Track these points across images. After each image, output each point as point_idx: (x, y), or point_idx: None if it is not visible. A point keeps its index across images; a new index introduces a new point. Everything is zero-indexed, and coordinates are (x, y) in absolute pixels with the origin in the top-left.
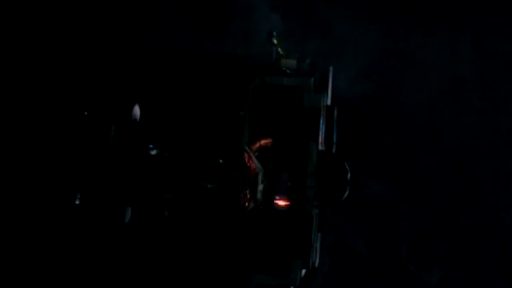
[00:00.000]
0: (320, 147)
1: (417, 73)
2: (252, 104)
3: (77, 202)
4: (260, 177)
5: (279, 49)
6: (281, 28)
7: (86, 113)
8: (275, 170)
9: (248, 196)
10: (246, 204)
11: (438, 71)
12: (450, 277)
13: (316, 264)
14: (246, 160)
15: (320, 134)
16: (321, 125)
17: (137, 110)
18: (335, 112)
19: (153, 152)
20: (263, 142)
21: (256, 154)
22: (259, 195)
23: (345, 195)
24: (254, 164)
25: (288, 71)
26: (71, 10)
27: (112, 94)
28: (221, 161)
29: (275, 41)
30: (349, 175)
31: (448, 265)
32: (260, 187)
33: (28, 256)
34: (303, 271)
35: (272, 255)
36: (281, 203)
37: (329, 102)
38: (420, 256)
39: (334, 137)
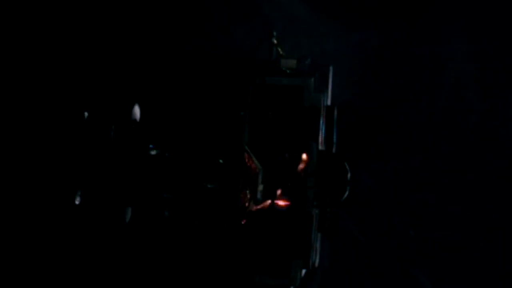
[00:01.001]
0: (320, 147)
1: (418, 75)
2: (252, 104)
3: (77, 202)
4: (260, 177)
5: (279, 49)
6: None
7: (86, 113)
8: (275, 170)
9: (248, 196)
10: (246, 204)
11: (438, 73)
12: (449, 279)
13: (316, 264)
14: (246, 160)
15: (320, 134)
16: (321, 125)
17: (137, 110)
18: (335, 112)
19: (153, 152)
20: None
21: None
22: (259, 195)
23: (345, 195)
24: (254, 164)
25: (288, 71)
26: (70, 9)
27: (112, 94)
28: (221, 161)
29: (275, 41)
30: (349, 175)
31: (447, 267)
32: (260, 187)
33: (27, 256)
34: (303, 271)
35: (272, 255)
36: (281, 203)
37: (329, 102)
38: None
39: (334, 137)
